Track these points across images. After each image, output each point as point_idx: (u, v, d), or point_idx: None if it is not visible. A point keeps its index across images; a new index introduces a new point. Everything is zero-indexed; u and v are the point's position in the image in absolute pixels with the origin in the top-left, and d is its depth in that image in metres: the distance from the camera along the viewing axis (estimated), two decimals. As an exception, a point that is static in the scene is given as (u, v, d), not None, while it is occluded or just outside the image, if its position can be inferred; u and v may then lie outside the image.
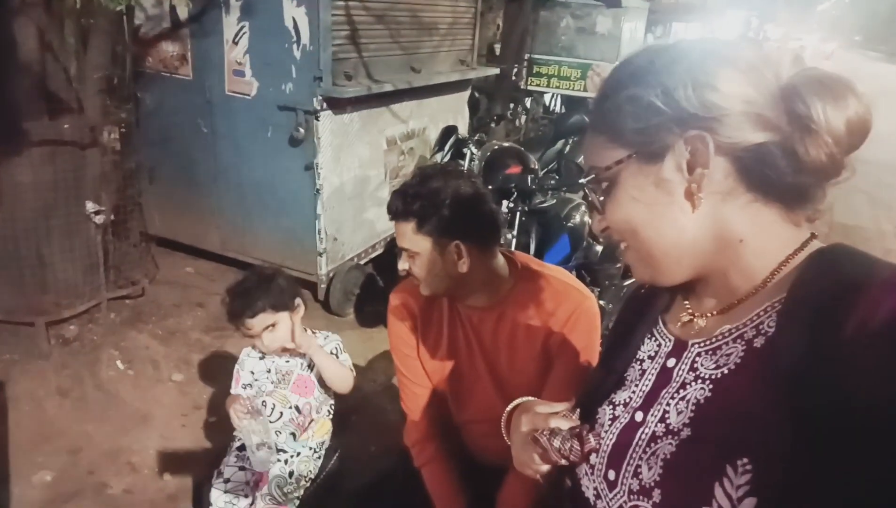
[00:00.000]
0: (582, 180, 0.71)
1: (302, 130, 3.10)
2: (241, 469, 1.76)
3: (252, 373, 1.78)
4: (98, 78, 2.77)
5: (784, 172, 0.61)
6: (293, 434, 1.75)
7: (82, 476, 2.28)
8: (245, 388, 1.75)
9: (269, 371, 1.77)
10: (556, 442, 0.75)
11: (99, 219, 2.88)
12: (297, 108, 3.09)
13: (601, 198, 0.69)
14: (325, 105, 3.09)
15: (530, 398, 0.91)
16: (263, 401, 1.73)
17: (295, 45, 3.03)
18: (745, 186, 0.62)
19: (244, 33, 3.13)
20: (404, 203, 1.29)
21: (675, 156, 0.62)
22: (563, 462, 0.76)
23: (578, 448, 0.73)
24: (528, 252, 2.75)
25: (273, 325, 1.66)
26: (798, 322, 0.58)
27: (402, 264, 1.36)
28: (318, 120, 3.09)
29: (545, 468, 0.79)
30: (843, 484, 0.51)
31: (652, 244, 0.67)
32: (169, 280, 3.54)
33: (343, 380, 1.75)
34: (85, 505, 2.15)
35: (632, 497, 0.68)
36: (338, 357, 1.77)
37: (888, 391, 0.50)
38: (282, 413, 1.73)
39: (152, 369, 2.84)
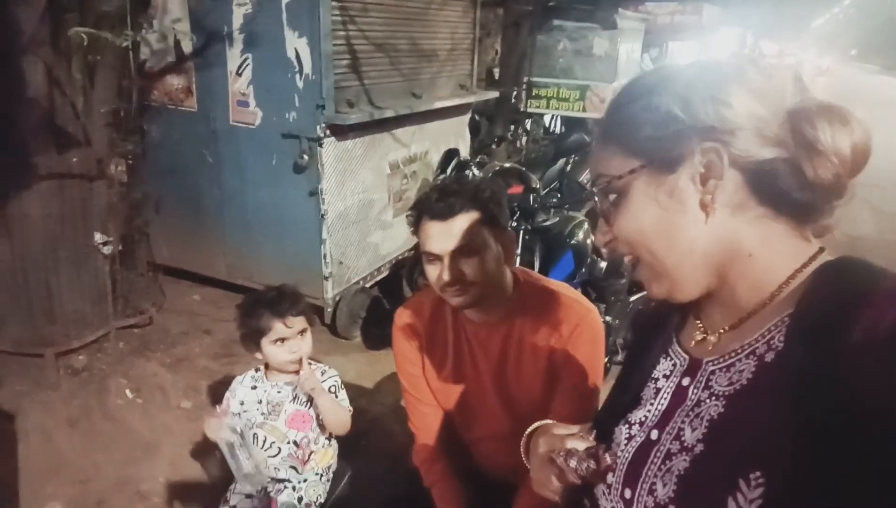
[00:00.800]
0: (592, 189, 0.72)
1: (306, 158, 3.15)
2: (248, 496, 1.74)
3: (242, 403, 1.75)
4: (105, 112, 2.82)
5: (792, 187, 0.62)
6: (294, 468, 1.73)
7: (92, 506, 2.27)
8: (234, 416, 1.72)
9: (259, 402, 1.74)
10: (573, 462, 0.75)
11: (107, 250, 2.92)
12: (300, 135, 3.13)
13: (610, 209, 0.70)
14: (328, 132, 3.14)
15: (548, 420, 0.91)
16: (255, 434, 1.71)
17: (297, 75, 3.09)
18: (756, 200, 0.64)
19: (247, 65, 3.19)
20: (460, 198, 1.22)
21: (690, 166, 0.64)
22: (580, 481, 0.76)
23: (595, 467, 0.74)
24: (534, 271, 2.77)
25: (304, 332, 1.68)
26: (805, 335, 0.58)
27: (433, 273, 1.26)
28: (321, 147, 3.14)
29: (562, 488, 0.79)
30: (853, 495, 0.51)
31: (664, 255, 0.67)
32: (176, 308, 3.56)
33: (341, 423, 1.73)
34: (95, 536, 2.15)
35: None
36: (336, 396, 1.75)
37: (894, 401, 0.50)
38: (280, 449, 1.71)
39: (161, 397, 2.84)
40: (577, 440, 0.79)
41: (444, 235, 1.23)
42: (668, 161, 0.65)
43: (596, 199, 0.72)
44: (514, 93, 6.37)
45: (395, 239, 3.87)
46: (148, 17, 3.18)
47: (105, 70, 2.81)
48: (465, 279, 1.25)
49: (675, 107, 0.63)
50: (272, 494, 1.74)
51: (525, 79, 6.36)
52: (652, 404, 0.75)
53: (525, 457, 0.90)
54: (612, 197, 0.70)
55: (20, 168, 2.59)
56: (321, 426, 1.75)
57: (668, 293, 0.70)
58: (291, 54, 3.06)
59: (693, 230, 0.65)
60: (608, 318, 2.89)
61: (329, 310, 3.41)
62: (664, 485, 0.66)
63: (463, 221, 1.23)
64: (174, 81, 3.39)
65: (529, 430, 0.92)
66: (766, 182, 0.63)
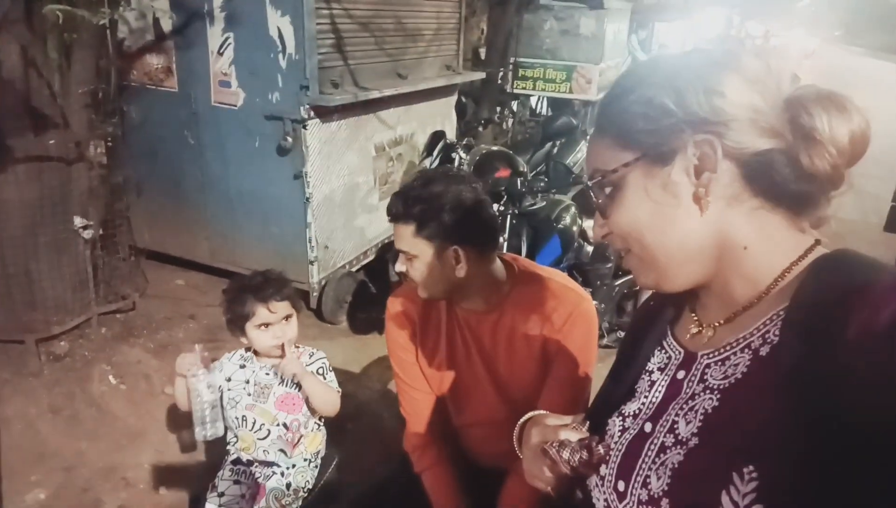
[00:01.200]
0: (588, 183, 0.71)
1: (290, 140, 3.10)
2: (236, 482, 1.74)
3: (228, 380, 1.74)
4: (83, 92, 2.75)
5: (788, 178, 0.62)
6: (283, 451, 1.74)
7: (77, 493, 2.26)
8: (213, 391, 1.68)
9: (247, 382, 1.73)
10: (565, 454, 0.75)
11: (87, 234, 2.86)
12: (284, 117, 3.08)
13: (605, 202, 0.69)
14: (312, 113, 3.09)
15: (541, 411, 0.91)
16: (244, 416, 1.71)
17: (280, 55, 3.02)
18: (751, 192, 0.63)
19: (229, 44, 3.12)
20: (405, 206, 1.28)
21: (683, 159, 0.63)
22: (572, 473, 0.76)
23: (587, 459, 0.74)
24: (520, 255, 2.76)
25: (289, 317, 1.68)
26: (800, 329, 0.58)
27: (400, 267, 1.35)
28: (305, 129, 3.09)
29: (554, 479, 0.79)
30: (847, 490, 0.51)
31: (657, 248, 0.67)
32: (159, 293, 3.52)
33: (330, 404, 1.73)
34: (81, 524, 2.13)
35: (641, 506, 0.68)
36: (324, 378, 1.75)
37: (891, 395, 0.50)
38: (269, 431, 1.71)
39: (145, 383, 2.81)
40: (570, 432, 0.78)
41: (395, 234, 1.32)
42: (662, 154, 0.64)
43: (591, 192, 0.71)
44: (501, 74, 6.31)
45: (381, 223, 3.83)
46: (125, -6, 3.09)
47: (82, 49, 2.73)
48: (412, 278, 1.33)
49: (667, 99, 0.63)
50: (260, 480, 1.73)
51: (511, 59, 6.30)
52: (646, 396, 0.75)
53: (518, 447, 0.90)
54: (608, 190, 0.69)
55: (-5, 151, 2.52)
56: (311, 410, 1.75)
57: (656, 284, 0.70)
58: (274, 33, 3.00)
59: (687, 223, 0.65)
60: (594, 302, 2.90)
61: (315, 295, 3.39)
62: (658, 478, 0.66)
63: (401, 228, 1.29)
64: (154, 61, 3.31)
65: (522, 420, 0.92)
66: (762, 173, 0.62)
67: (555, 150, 4.04)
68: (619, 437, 0.75)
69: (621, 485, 0.71)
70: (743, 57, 0.64)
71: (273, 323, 1.66)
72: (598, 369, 1.38)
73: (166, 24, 3.18)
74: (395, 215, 1.30)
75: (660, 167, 0.65)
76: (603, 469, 0.75)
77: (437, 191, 1.26)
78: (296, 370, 1.66)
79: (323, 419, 1.84)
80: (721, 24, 12.23)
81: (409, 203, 1.27)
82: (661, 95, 0.63)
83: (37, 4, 2.47)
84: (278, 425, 1.72)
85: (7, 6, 2.43)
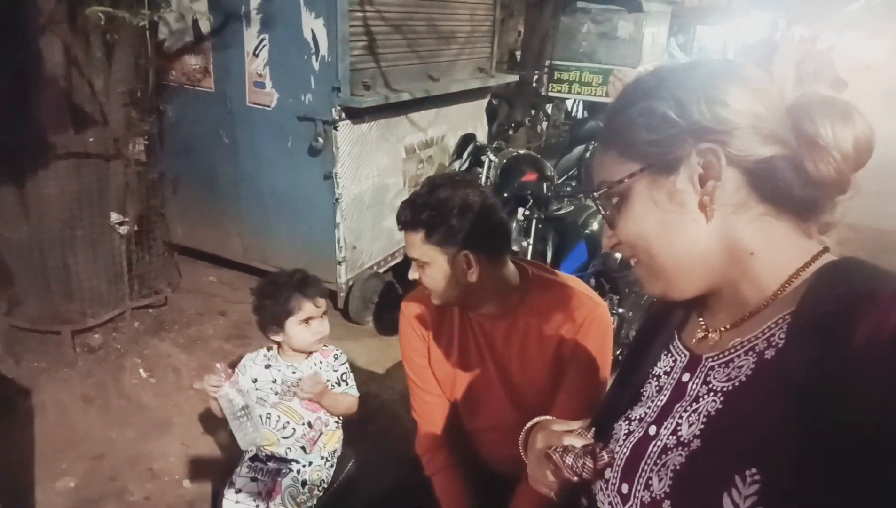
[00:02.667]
0: (595, 195, 0.72)
1: (321, 140, 3.13)
2: (253, 479, 1.76)
3: (254, 381, 1.77)
4: (122, 91, 2.83)
5: (793, 184, 0.62)
6: (303, 448, 1.76)
7: (104, 482, 2.32)
8: (242, 398, 1.74)
9: (274, 381, 1.76)
10: (569, 459, 0.75)
11: (123, 229, 2.94)
12: (316, 118, 3.12)
13: (612, 213, 0.70)
14: (343, 115, 3.12)
15: (547, 416, 0.91)
16: (269, 413, 1.74)
17: (314, 57, 3.06)
18: (757, 199, 0.64)
19: (264, 46, 3.17)
20: (413, 213, 1.29)
21: (688, 168, 0.64)
22: (575, 479, 0.76)
23: (591, 465, 0.74)
24: (545, 260, 2.73)
25: (325, 314, 1.73)
26: (807, 334, 0.58)
27: (413, 274, 1.35)
28: (336, 130, 3.12)
29: (558, 485, 0.79)
30: (850, 495, 0.51)
31: (664, 257, 0.67)
32: (191, 289, 3.60)
33: (347, 413, 1.80)
34: (106, 511, 2.19)
35: None
36: (347, 383, 1.79)
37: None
38: (294, 430, 1.73)
39: (174, 376, 2.88)
40: (575, 437, 0.79)
41: (406, 242, 1.33)
42: (667, 164, 0.65)
43: (599, 204, 0.72)
44: (536, 76, 6.27)
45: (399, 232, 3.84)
46: (166, -3, 3.17)
47: (123, 49, 2.81)
48: (425, 285, 1.33)
49: (669, 110, 0.64)
50: (278, 477, 1.75)
51: (547, 62, 6.25)
52: (653, 400, 0.75)
53: (523, 452, 0.90)
54: (615, 201, 0.70)
55: (38, 148, 2.61)
56: None
57: (663, 292, 0.71)
58: (308, 35, 3.04)
59: (694, 231, 0.65)
60: (621, 309, 2.85)
61: (342, 295, 3.42)
62: (660, 480, 0.67)
63: (411, 236, 1.30)
64: (191, 62, 3.39)
65: (529, 425, 0.92)
66: (767, 180, 0.63)
67: (587, 154, 3.98)
68: (624, 440, 0.75)
69: (625, 488, 0.72)
70: (745, 66, 0.65)
71: (316, 317, 1.70)
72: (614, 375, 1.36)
73: (204, 26, 3.26)
74: (404, 222, 1.30)
75: (665, 177, 0.65)
76: (608, 473, 0.75)
77: (443, 197, 1.26)
78: (311, 391, 1.68)
79: (341, 419, 1.85)
80: (765, 27, 11.92)
81: (417, 210, 1.27)
82: (664, 105, 0.64)
83: (80, 6, 2.56)
84: (304, 423, 1.74)
85: (52, 7, 2.52)
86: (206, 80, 3.41)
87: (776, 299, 0.64)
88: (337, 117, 3.10)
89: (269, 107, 3.28)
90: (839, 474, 0.51)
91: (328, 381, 1.74)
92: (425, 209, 1.27)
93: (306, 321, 1.69)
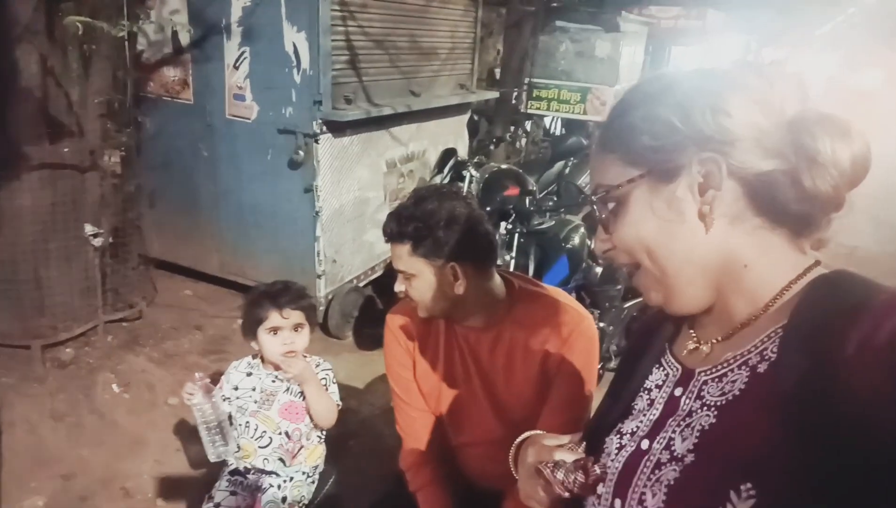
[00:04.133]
0: (592, 198, 0.72)
1: (301, 153, 3.12)
2: (233, 493, 1.72)
3: (235, 388, 1.75)
4: (99, 102, 2.80)
5: (790, 199, 0.62)
6: (282, 460, 1.72)
7: (75, 502, 2.24)
8: (225, 401, 1.73)
9: (253, 390, 1.74)
10: (560, 474, 0.74)
11: (97, 242, 2.89)
12: (296, 131, 3.11)
13: (608, 217, 0.70)
14: (324, 128, 3.11)
15: (538, 431, 0.91)
16: (247, 422, 1.70)
17: (295, 70, 3.06)
18: (753, 211, 0.64)
19: (245, 58, 3.16)
20: (399, 225, 1.28)
21: (688, 176, 0.63)
22: (567, 494, 0.75)
23: (582, 479, 0.73)
24: (527, 274, 2.74)
25: (300, 327, 1.68)
26: (799, 346, 0.58)
27: (399, 286, 1.35)
28: (317, 143, 3.11)
29: (549, 500, 0.78)
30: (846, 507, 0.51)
31: (663, 264, 0.67)
32: (167, 303, 3.53)
33: (328, 414, 1.73)
34: (76, 533, 2.12)
35: None
36: (327, 389, 1.75)
37: (890, 412, 0.49)
38: (271, 439, 1.70)
39: (148, 392, 2.81)
40: (566, 452, 0.78)
41: (392, 254, 1.32)
42: (667, 171, 0.65)
43: (595, 207, 0.72)
44: (515, 93, 6.35)
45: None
46: (145, 8, 3.15)
47: (100, 60, 2.78)
48: (411, 297, 1.33)
49: (673, 117, 0.63)
50: (257, 492, 1.71)
51: (526, 80, 6.33)
52: (644, 414, 0.75)
53: (513, 467, 0.89)
54: (612, 206, 0.69)
55: (12, 158, 2.56)
56: (313, 421, 1.75)
57: (665, 302, 0.70)
58: (290, 49, 3.03)
59: (691, 240, 0.65)
60: (602, 324, 2.87)
61: (321, 309, 3.38)
62: (653, 495, 0.66)
63: (397, 248, 1.30)
64: (170, 73, 3.36)
65: (519, 440, 0.91)
66: (765, 193, 0.63)
67: (566, 169, 4.03)
68: (616, 455, 0.74)
69: (618, 503, 0.71)
70: (749, 77, 0.65)
71: (283, 328, 1.66)
72: (599, 387, 1.36)
73: (184, 38, 3.24)
74: (390, 234, 1.30)
75: (665, 184, 0.65)
76: (600, 488, 0.74)
77: (430, 208, 1.26)
78: (301, 369, 1.65)
79: (324, 434, 1.82)
80: (738, 49, 12.23)
81: (403, 222, 1.27)
82: (668, 112, 0.63)
83: (57, 15, 2.52)
84: (280, 433, 1.71)
85: (29, 16, 2.48)
86: (185, 92, 3.38)
87: (767, 311, 0.64)
88: (318, 131, 3.09)
89: (248, 119, 3.26)
90: (835, 487, 0.51)
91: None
92: (412, 221, 1.26)
93: (274, 330, 1.66)
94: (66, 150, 2.69)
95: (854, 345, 0.52)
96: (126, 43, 2.92)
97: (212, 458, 1.63)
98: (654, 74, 0.70)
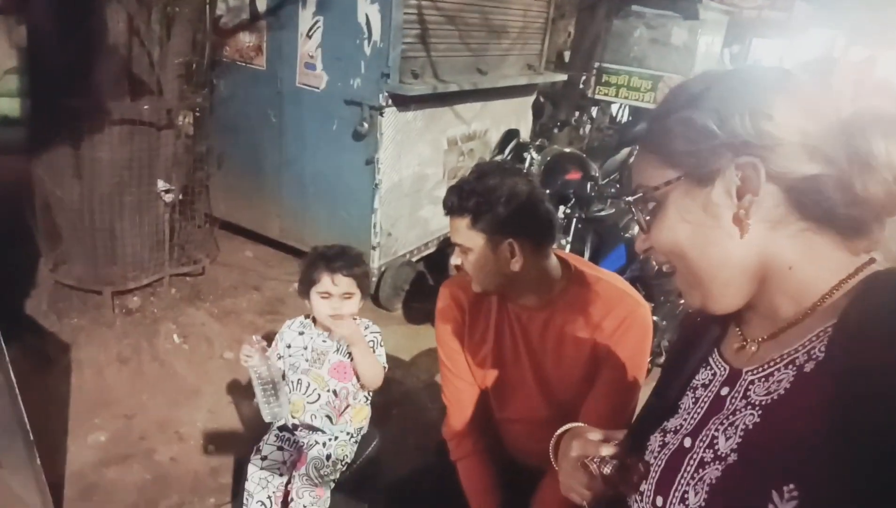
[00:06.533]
0: (629, 198, 0.71)
1: (366, 125, 3.15)
2: (280, 448, 1.79)
3: (288, 346, 1.81)
4: (178, 63, 2.89)
5: (837, 203, 0.60)
6: (329, 417, 1.77)
7: (134, 440, 2.38)
8: (279, 359, 1.79)
9: (305, 348, 1.80)
10: (606, 470, 0.75)
11: (168, 198, 3.01)
12: (363, 103, 3.15)
13: (647, 218, 0.70)
14: (390, 101, 3.14)
15: (580, 423, 0.91)
16: (299, 379, 1.76)
17: (366, 42, 3.08)
18: (798, 215, 0.62)
19: (318, 28, 3.21)
20: (460, 199, 1.28)
21: (724, 181, 0.62)
22: (611, 490, 0.75)
23: (627, 476, 0.74)
24: (582, 260, 2.71)
25: (350, 295, 1.71)
26: (848, 346, 0.57)
27: (455, 260, 1.36)
28: (382, 116, 3.14)
29: (591, 494, 0.79)
30: None
31: (698, 268, 0.66)
32: (228, 262, 3.67)
33: (374, 375, 1.77)
34: (134, 469, 2.25)
35: None
36: (374, 351, 1.78)
37: None
38: (319, 396, 1.76)
39: (206, 345, 2.94)
40: (612, 448, 0.78)
41: (451, 227, 1.33)
42: (703, 175, 0.63)
43: (634, 207, 0.71)
44: (583, 78, 6.20)
45: (444, 216, 3.84)
46: (228, -27, 3.23)
47: (182, 23, 2.87)
48: (467, 271, 1.33)
49: (710, 121, 0.62)
50: (303, 448, 1.78)
51: (596, 64, 6.17)
52: (689, 412, 0.74)
53: (553, 458, 0.90)
54: (651, 206, 0.69)
55: (95, 112, 2.68)
56: (361, 383, 1.79)
57: (702, 304, 0.69)
58: (362, 20, 3.06)
59: (728, 245, 0.64)
60: (655, 318, 2.80)
61: (374, 280, 3.44)
62: (696, 493, 0.65)
63: (457, 222, 1.30)
64: (246, 39, 3.45)
65: (560, 430, 0.91)
66: (809, 197, 0.60)
67: (631, 157, 3.92)
68: (659, 452, 0.74)
69: (659, 500, 0.71)
70: (798, 77, 0.63)
71: (333, 295, 1.70)
72: (647, 382, 1.34)
73: (261, 5, 3.31)
74: (451, 208, 1.30)
75: (700, 188, 0.64)
76: (642, 485, 0.74)
77: (491, 184, 1.26)
78: (349, 331, 1.69)
79: (370, 396, 1.86)
80: (823, 45, 11.58)
81: (464, 196, 1.27)
82: (704, 116, 0.62)
83: (146, -23, 2.62)
84: (328, 391, 1.76)
85: (120, -23, 2.58)
86: (259, 58, 3.46)
87: (815, 310, 0.62)
88: (384, 103, 3.12)
89: (317, 89, 3.32)
90: (878, 492, 0.49)
91: None
92: (473, 196, 1.27)
93: (325, 294, 1.70)
94: (145, 107, 2.80)
95: None
96: (207, 7, 3.01)
97: (267, 419, 1.70)
98: (701, 72, 0.68)
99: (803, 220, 0.61)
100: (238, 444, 2.40)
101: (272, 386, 1.65)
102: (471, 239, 1.29)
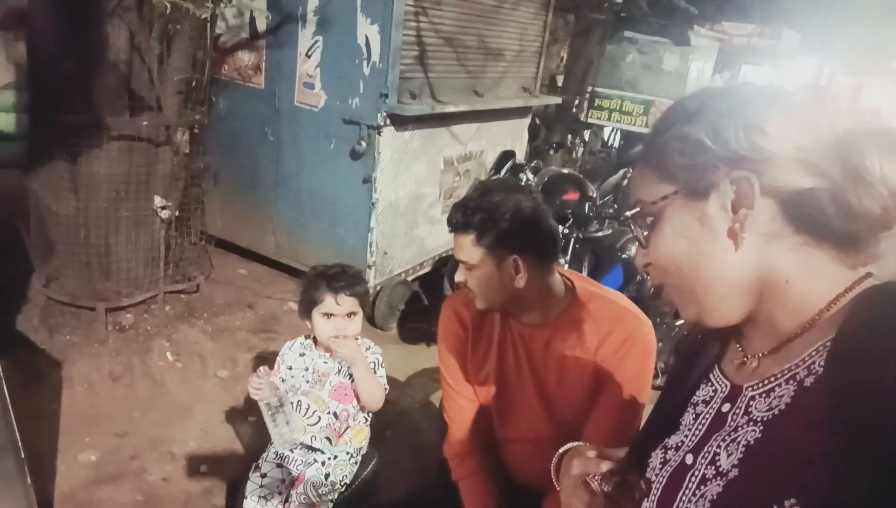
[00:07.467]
0: (627, 214, 0.72)
1: (364, 144, 3.17)
2: (279, 465, 1.77)
3: (290, 368, 1.79)
4: (178, 80, 2.90)
5: (832, 217, 0.60)
6: (328, 439, 1.75)
7: (125, 460, 2.34)
8: (282, 382, 1.77)
9: (306, 370, 1.78)
10: (607, 487, 0.75)
11: (164, 214, 3.00)
12: (361, 122, 3.16)
13: (645, 233, 0.70)
14: (388, 121, 3.16)
15: (581, 442, 0.91)
16: (299, 401, 1.74)
17: (365, 62, 3.11)
18: (794, 229, 0.62)
19: (317, 47, 3.24)
20: (464, 215, 1.29)
21: (720, 195, 0.63)
22: (612, 507, 0.75)
23: (629, 494, 0.74)
24: (580, 280, 2.72)
25: (353, 315, 1.70)
26: (847, 360, 0.57)
27: (459, 276, 1.35)
28: (380, 135, 3.16)
29: None
30: None
31: (695, 281, 0.67)
32: (223, 280, 3.64)
33: (376, 397, 1.75)
34: (125, 489, 2.21)
35: None
36: (375, 372, 1.77)
37: None
38: (320, 418, 1.74)
39: (199, 363, 2.91)
40: (612, 465, 0.78)
41: (455, 244, 1.33)
42: (699, 189, 0.64)
43: (633, 222, 0.72)
44: (577, 101, 6.28)
45: (441, 235, 3.86)
46: (228, -8, 3.25)
47: (182, 40, 2.88)
48: (470, 288, 1.33)
49: (704, 136, 0.63)
50: (301, 468, 1.75)
51: (589, 88, 6.26)
52: (690, 429, 0.74)
53: (554, 477, 0.90)
54: (649, 221, 0.70)
55: (95, 126, 2.68)
56: (360, 403, 1.78)
57: (699, 318, 0.70)
58: (361, 41, 3.09)
59: (723, 258, 0.65)
60: (652, 338, 2.81)
61: (369, 299, 3.43)
62: None
63: (461, 238, 1.30)
64: (245, 57, 3.47)
65: (562, 450, 0.91)
66: (805, 211, 0.61)
67: (624, 181, 3.97)
68: (661, 469, 0.74)
69: None
70: (793, 93, 0.64)
71: (336, 315, 1.68)
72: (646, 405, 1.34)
73: (261, 24, 3.34)
74: (456, 224, 1.31)
75: (696, 202, 0.65)
76: (644, 503, 0.74)
77: (496, 200, 1.27)
78: (350, 351, 1.68)
79: (370, 417, 1.84)
80: (811, 73, 11.80)
81: (469, 212, 1.28)
82: (699, 130, 0.63)
83: (148, -6, 2.64)
84: (329, 412, 1.74)
85: (122, -6, 2.60)
86: (257, 76, 3.48)
87: (814, 324, 0.63)
88: (382, 123, 3.14)
89: (316, 108, 3.34)
90: (879, 505, 0.49)
91: None
92: (477, 212, 1.27)
93: (328, 315, 1.69)
94: (144, 123, 2.80)
95: None
96: (207, 25, 3.03)
97: (281, 448, 1.68)
98: (697, 90, 0.70)
99: (799, 233, 0.62)
100: (231, 464, 2.36)
101: (284, 416, 1.63)
102: (475, 256, 1.29)
